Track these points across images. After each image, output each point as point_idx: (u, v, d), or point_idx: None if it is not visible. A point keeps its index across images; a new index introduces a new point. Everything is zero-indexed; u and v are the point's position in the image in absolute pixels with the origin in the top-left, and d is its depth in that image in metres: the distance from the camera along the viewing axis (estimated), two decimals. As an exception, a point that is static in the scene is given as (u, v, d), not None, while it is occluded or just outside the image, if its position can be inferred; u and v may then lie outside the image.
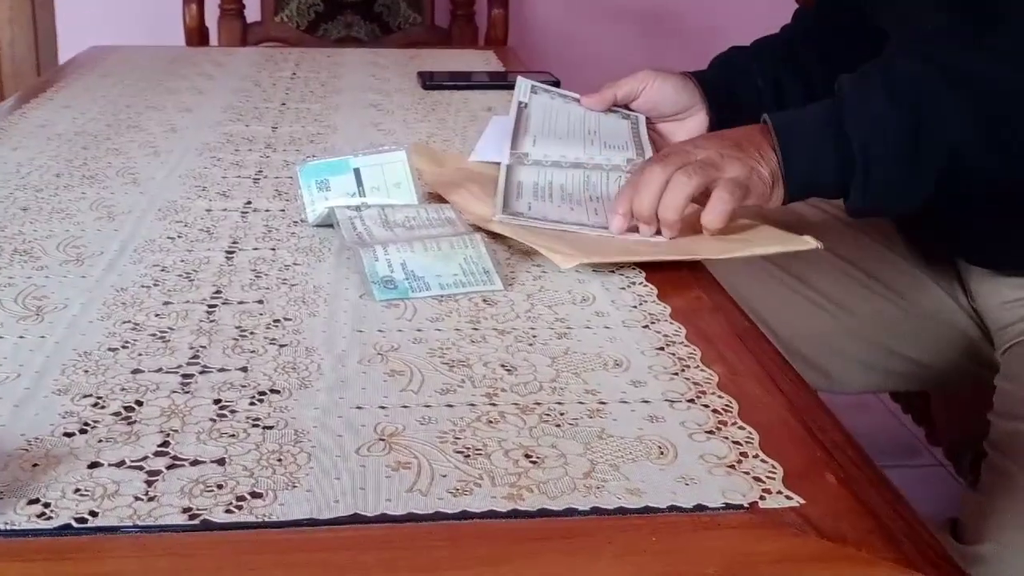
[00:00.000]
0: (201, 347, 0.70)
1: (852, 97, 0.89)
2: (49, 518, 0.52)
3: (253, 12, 2.57)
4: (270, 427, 0.60)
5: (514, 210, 0.92)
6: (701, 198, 0.87)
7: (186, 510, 0.52)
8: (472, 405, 0.63)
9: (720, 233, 0.87)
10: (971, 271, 1.11)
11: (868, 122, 0.88)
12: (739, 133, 0.93)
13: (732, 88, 1.16)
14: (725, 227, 0.87)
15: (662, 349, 0.72)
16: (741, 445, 0.60)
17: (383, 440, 0.59)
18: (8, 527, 0.51)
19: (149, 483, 0.55)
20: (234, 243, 0.90)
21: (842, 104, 0.89)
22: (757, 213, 0.95)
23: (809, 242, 0.88)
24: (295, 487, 0.54)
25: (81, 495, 0.53)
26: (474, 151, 1.11)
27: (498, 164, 1.02)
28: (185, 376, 0.66)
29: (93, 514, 0.52)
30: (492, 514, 0.53)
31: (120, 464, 0.56)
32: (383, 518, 0.52)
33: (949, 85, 0.87)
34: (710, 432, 0.61)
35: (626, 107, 1.14)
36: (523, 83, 1.15)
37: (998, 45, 0.90)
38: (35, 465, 0.56)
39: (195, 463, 0.56)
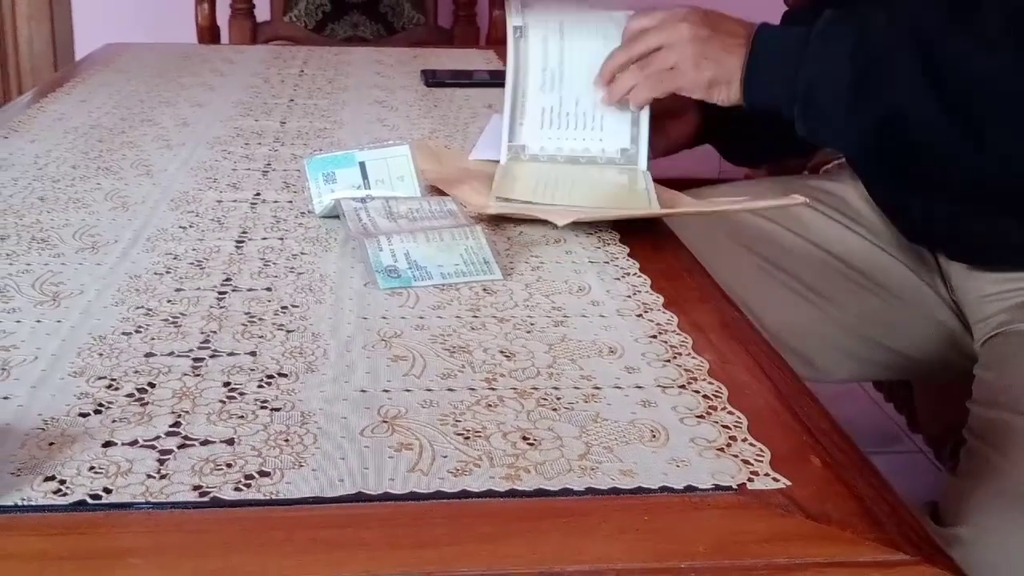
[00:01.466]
0: (211, 332, 0.70)
1: (821, 37, 0.95)
2: (65, 494, 0.52)
3: (263, 11, 2.57)
4: (277, 409, 0.60)
5: (519, 142, 0.93)
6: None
7: (196, 488, 0.52)
8: (472, 389, 0.63)
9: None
10: (952, 266, 1.11)
11: (820, 66, 0.94)
12: (730, 28, 1.01)
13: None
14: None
15: (655, 337, 0.72)
16: (730, 429, 0.60)
17: (386, 422, 0.59)
18: (25, 503, 0.51)
19: (161, 462, 0.55)
20: (243, 233, 0.90)
21: (808, 41, 0.96)
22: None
23: (796, 198, 0.90)
24: (301, 466, 0.54)
25: (95, 473, 0.53)
26: (475, 148, 1.11)
27: (497, 162, 1.02)
28: (196, 360, 0.66)
29: (107, 491, 0.52)
30: (491, 493, 0.53)
31: (133, 443, 0.56)
32: (386, 497, 0.52)
33: (916, 50, 0.91)
34: (700, 417, 0.61)
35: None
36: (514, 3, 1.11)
37: (983, 32, 0.91)
38: (51, 444, 0.56)
39: (205, 443, 0.56)
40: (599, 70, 1.02)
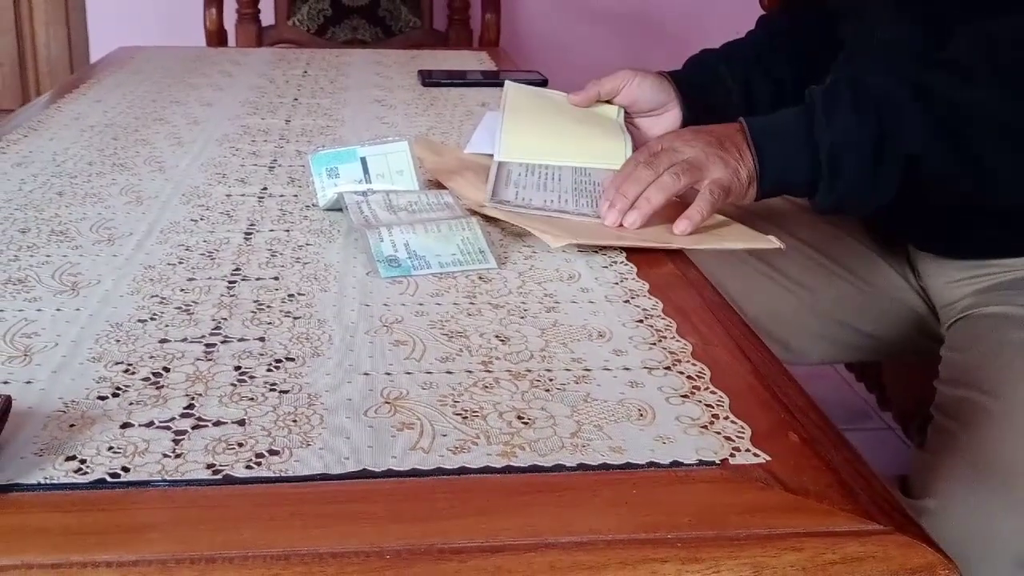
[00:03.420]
0: (222, 319, 0.70)
1: (821, 107, 0.89)
2: (85, 473, 0.51)
3: (268, 16, 2.56)
4: (286, 391, 0.60)
5: (502, 198, 0.92)
6: (687, 193, 0.87)
7: (210, 466, 0.52)
8: (469, 372, 0.63)
9: (698, 229, 0.88)
10: (920, 255, 1.12)
11: (835, 131, 0.88)
12: (720, 131, 0.92)
13: (704, 87, 1.15)
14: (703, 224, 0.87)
15: (641, 322, 0.72)
16: (713, 408, 0.60)
17: (388, 403, 0.59)
18: (48, 481, 0.51)
19: (176, 442, 0.54)
20: (252, 225, 0.90)
21: (812, 113, 0.89)
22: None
23: (772, 242, 0.88)
24: (309, 445, 0.54)
25: (114, 452, 0.53)
26: (469, 143, 1.11)
27: (491, 155, 1.02)
28: (208, 345, 0.66)
29: (125, 470, 0.52)
30: (488, 470, 0.53)
31: (149, 424, 0.56)
32: (389, 473, 0.52)
33: (910, 98, 0.87)
34: (685, 396, 0.61)
35: (608, 103, 1.14)
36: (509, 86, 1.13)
37: (955, 59, 0.89)
38: (72, 425, 0.56)
39: (218, 424, 0.56)
40: (604, 185, 0.92)
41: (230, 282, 0.77)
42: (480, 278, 0.79)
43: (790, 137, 0.90)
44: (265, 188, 1.01)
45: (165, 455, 0.53)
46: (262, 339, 0.67)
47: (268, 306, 0.72)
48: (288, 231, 0.88)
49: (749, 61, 1.19)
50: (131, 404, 0.58)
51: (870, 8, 1.04)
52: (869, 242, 1.16)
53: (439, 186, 0.97)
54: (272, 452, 0.54)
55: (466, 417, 0.58)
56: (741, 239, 0.91)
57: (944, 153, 0.87)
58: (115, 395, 0.59)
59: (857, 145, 0.87)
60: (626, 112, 1.13)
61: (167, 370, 0.62)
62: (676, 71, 1.18)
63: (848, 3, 1.09)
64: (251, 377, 0.62)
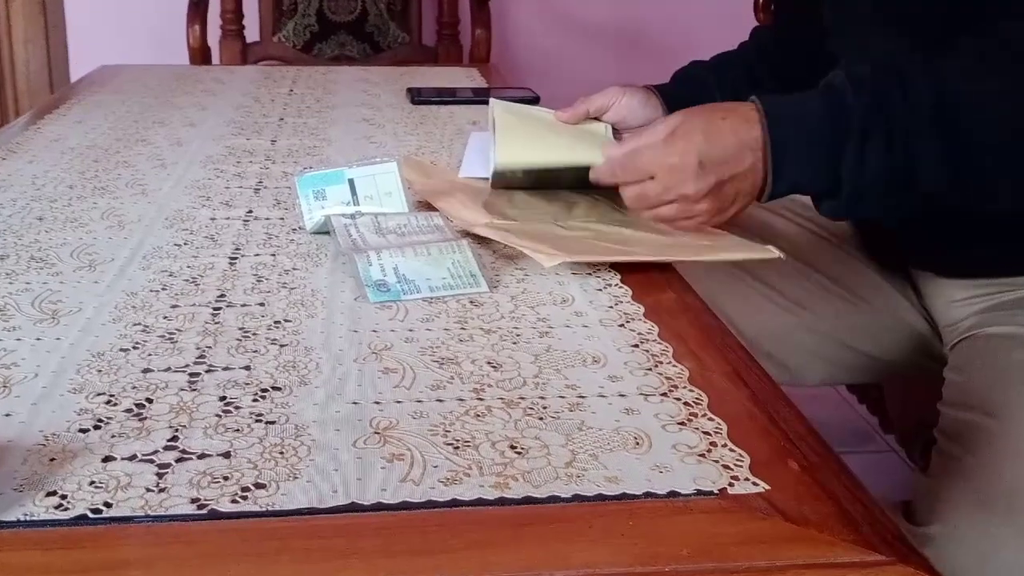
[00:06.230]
0: (207, 347, 0.70)
1: (857, 138, 0.85)
2: (66, 509, 0.51)
3: (252, 32, 2.57)
4: (272, 422, 0.60)
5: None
6: None
7: (194, 500, 0.52)
8: (461, 400, 0.63)
9: (692, 240, 0.88)
10: (920, 274, 1.12)
11: (865, 174, 0.85)
12: (733, 156, 0.87)
13: (692, 100, 1.15)
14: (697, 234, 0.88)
15: (637, 346, 0.72)
16: (711, 435, 0.60)
17: (378, 433, 0.59)
18: (27, 518, 0.51)
19: (159, 475, 0.54)
20: (237, 249, 0.90)
21: (843, 144, 0.85)
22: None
23: (771, 251, 0.88)
24: (296, 478, 0.54)
25: (96, 487, 0.53)
26: (461, 168, 1.11)
27: (485, 179, 1.02)
28: (192, 375, 0.66)
29: (107, 505, 0.52)
30: (480, 502, 0.53)
31: (132, 458, 0.56)
32: (379, 506, 0.52)
33: (932, 123, 0.84)
34: (682, 423, 0.61)
35: (596, 119, 1.14)
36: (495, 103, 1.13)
37: (962, 63, 0.88)
38: (52, 459, 0.56)
39: (202, 456, 0.56)
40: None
41: (215, 309, 0.77)
42: (471, 302, 0.79)
43: (815, 162, 0.87)
44: (250, 211, 1.01)
45: (148, 489, 0.53)
46: (248, 368, 0.67)
47: (254, 333, 0.72)
48: (274, 255, 0.88)
49: (738, 74, 1.20)
50: (113, 437, 0.58)
51: (862, 23, 1.05)
52: (869, 261, 1.17)
53: (429, 208, 0.97)
54: (258, 485, 0.54)
55: (458, 447, 0.58)
56: (739, 250, 0.91)
57: (961, 189, 0.86)
58: (97, 427, 0.59)
59: (883, 184, 0.86)
60: (614, 129, 1.13)
61: (150, 401, 0.62)
62: (664, 84, 1.18)
63: (840, 18, 1.10)
64: (236, 407, 0.62)
